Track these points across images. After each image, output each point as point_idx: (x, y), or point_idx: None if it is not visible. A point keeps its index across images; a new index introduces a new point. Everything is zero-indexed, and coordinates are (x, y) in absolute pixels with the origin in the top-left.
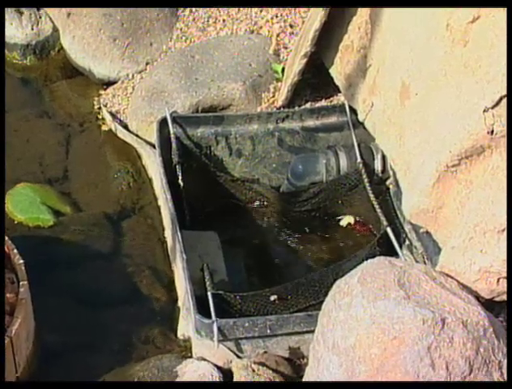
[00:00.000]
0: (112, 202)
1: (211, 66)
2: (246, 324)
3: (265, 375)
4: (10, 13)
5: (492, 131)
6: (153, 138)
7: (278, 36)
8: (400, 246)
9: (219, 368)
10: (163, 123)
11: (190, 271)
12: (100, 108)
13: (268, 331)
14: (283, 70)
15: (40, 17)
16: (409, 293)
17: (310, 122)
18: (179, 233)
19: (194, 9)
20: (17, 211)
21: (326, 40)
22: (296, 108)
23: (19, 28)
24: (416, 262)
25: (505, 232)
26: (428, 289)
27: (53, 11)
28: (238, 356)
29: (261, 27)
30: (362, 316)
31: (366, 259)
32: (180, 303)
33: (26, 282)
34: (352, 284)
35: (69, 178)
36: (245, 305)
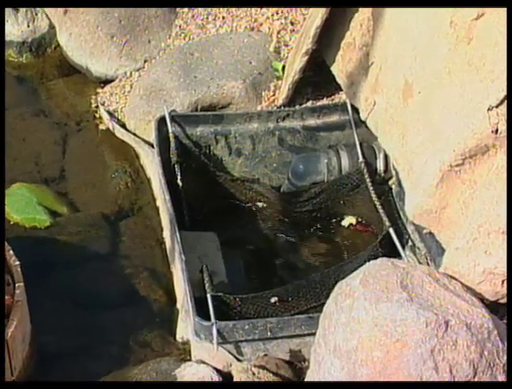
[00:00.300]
0: (109, 202)
1: (211, 64)
2: (246, 327)
3: (265, 378)
4: (5, 10)
5: (497, 130)
6: (151, 137)
7: (278, 33)
8: (403, 247)
9: (218, 371)
10: (161, 122)
11: (189, 273)
12: (97, 106)
13: (268, 333)
14: (283, 67)
15: (37, 14)
16: (412, 295)
17: (311, 121)
18: (178, 234)
19: None
20: (13, 212)
21: (328, 37)
22: (297, 106)
23: (15, 25)
24: (419, 263)
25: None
26: (431, 291)
27: (49, 8)
28: (238, 360)
29: (261, 25)
30: (364, 318)
31: (368, 261)
32: (179, 305)
33: (22, 284)
34: (354, 286)
35: (66, 178)
36: (245, 308)
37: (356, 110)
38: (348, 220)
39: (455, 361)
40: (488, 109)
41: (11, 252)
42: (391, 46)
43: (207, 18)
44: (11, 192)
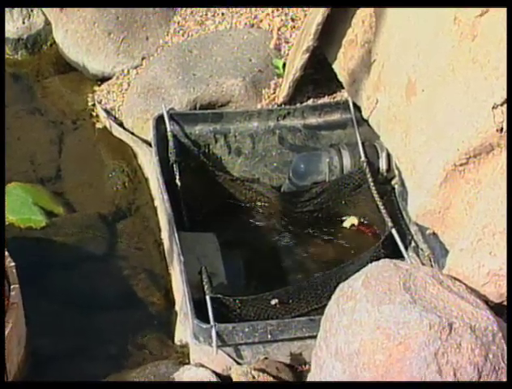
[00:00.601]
0: (106, 202)
1: (210, 61)
2: (246, 329)
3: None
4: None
5: (502, 129)
6: (149, 136)
7: (279, 29)
8: (406, 248)
9: (217, 374)
10: (159, 120)
11: (188, 274)
12: (94, 104)
13: (269, 336)
14: (284, 65)
15: (32, 10)
16: (415, 297)
17: (312, 120)
18: (176, 235)
19: None
20: (8, 212)
21: (329, 34)
22: (298, 105)
23: (10, 22)
24: (423, 264)
25: None
26: (434, 293)
27: None
28: (238, 363)
29: (261, 21)
30: (366, 321)
31: (371, 262)
32: (177, 307)
33: (17, 285)
34: (356, 288)
35: (62, 178)
36: (245, 310)
37: (358, 108)
38: (350, 221)
39: (459, 364)
40: (493, 107)
41: (6, 253)
42: (394, 43)
43: (206, 14)
44: (6, 192)
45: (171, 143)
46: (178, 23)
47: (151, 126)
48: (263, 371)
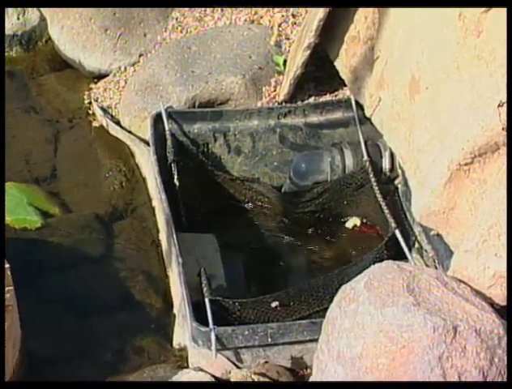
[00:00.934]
0: (103, 202)
1: (209, 58)
2: (246, 332)
3: None
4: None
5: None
6: (147, 134)
7: (279, 26)
8: (409, 250)
9: (217, 379)
10: (157, 119)
11: (187, 276)
12: (90, 102)
13: (269, 339)
14: (285, 62)
15: None
16: (419, 300)
17: (314, 118)
18: (175, 236)
19: None
20: None
21: (331, 30)
22: (299, 103)
23: (5, 18)
24: (427, 266)
25: None
26: (439, 295)
27: None
28: (237, 367)
29: (261, 17)
30: (369, 324)
31: (373, 263)
32: (175, 310)
33: (11, 287)
34: (359, 290)
35: (57, 177)
36: (245, 312)
37: (360, 107)
38: (352, 221)
39: (464, 368)
40: (499, 105)
41: None
42: (397, 40)
43: (205, 10)
44: None
45: (169, 142)
46: (176, 19)
47: (149, 124)
48: (263, 375)
